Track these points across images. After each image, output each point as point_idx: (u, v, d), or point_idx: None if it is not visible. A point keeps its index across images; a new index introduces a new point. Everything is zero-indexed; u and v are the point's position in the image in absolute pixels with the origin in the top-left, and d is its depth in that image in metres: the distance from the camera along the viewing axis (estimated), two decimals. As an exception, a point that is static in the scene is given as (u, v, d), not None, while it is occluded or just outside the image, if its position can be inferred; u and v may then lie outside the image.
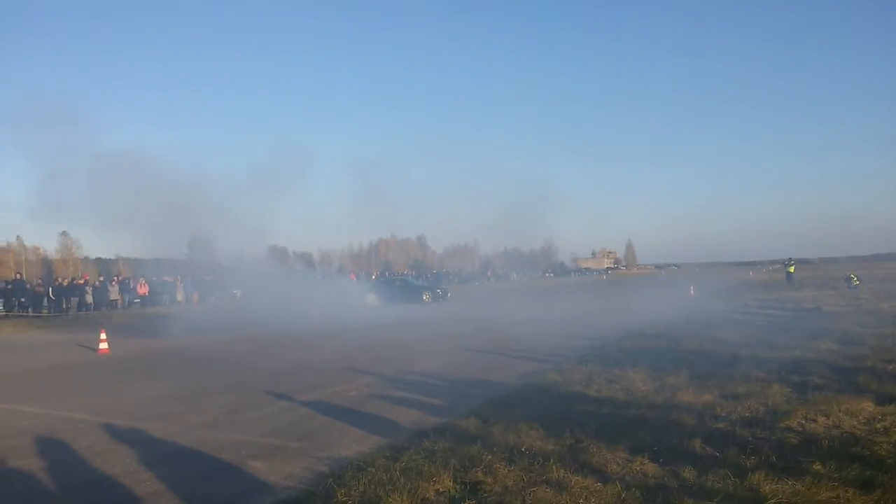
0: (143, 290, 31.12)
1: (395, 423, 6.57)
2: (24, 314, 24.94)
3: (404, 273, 54.04)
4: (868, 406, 6.06)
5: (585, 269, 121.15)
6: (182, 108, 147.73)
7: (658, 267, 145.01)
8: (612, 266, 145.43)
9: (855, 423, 5.59)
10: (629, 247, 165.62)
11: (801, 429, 5.45)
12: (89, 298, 27.78)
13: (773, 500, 3.92)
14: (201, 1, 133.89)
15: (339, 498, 4.22)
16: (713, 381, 7.45)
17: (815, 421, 5.66)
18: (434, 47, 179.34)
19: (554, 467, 4.52)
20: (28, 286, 27.96)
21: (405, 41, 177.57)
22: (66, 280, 30.52)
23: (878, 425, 5.48)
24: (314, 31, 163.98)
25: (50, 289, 27.83)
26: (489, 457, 4.80)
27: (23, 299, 26.32)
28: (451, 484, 4.39)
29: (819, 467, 4.43)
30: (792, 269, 35.20)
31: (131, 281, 32.60)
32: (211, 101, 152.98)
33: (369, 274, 50.01)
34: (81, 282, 29.55)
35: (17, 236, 75.44)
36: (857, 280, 26.80)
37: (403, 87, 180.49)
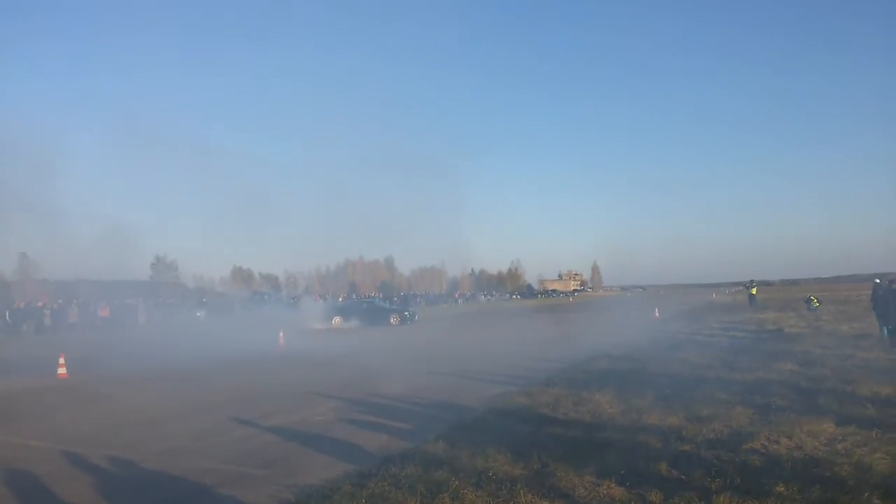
0: (104, 312, 30.53)
1: (362, 448, 6.51)
2: (-21, 338, 24.25)
3: (371, 295, 53.81)
4: (829, 427, 6.17)
5: (552, 290, 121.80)
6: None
7: (624, 289, 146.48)
8: (579, 288, 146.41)
9: (816, 444, 5.69)
10: (595, 269, 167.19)
11: (764, 450, 5.52)
12: (48, 321, 27.15)
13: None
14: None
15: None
16: (678, 403, 7.52)
17: (777, 442, 5.74)
18: (395, 67, 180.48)
19: (521, 492, 4.51)
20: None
21: (372, 58, 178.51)
22: (23, 303, 29.78)
23: (839, 446, 5.58)
24: (274, 50, 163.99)
25: (7, 312, 27.13)
26: (456, 482, 4.77)
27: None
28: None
29: (782, 489, 4.49)
30: (754, 290, 35.57)
31: (92, 304, 31.95)
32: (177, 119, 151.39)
33: (336, 296, 49.70)
34: (40, 304, 28.87)
35: (-27, 258, 73.50)
36: (818, 302, 27.26)
37: (368, 107, 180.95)
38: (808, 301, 27.56)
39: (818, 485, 4.55)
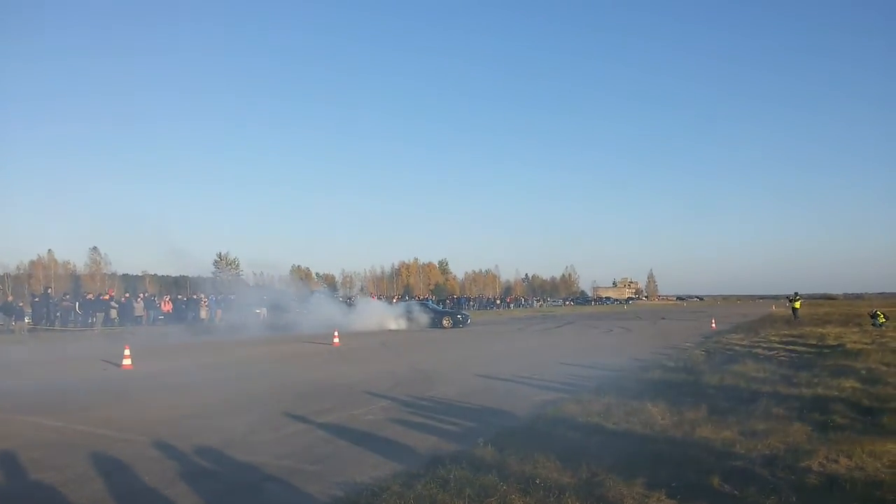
0: (167, 307, 31.49)
1: (411, 448, 6.59)
2: (52, 328, 25.33)
3: (425, 298, 54.05)
4: (893, 448, 5.93)
5: (606, 298, 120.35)
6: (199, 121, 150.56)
7: (680, 298, 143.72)
8: (633, 296, 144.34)
9: (879, 465, 5.48)
10: (650, 277, 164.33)
11: (822, 469, 5.35)
12: (114, 314, 28.13)
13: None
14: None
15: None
16: (733, 417, 7.35)
17: (836, 462, 5.55)
18: (458, 68, 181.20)
19: (569, 500, 4.49)
20: (56, 300, 28.45)
21: (426, 55, 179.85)
22: (92, 295, 30.99)
23: (903, 468, 5.38)
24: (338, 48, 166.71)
25: (77, 303, 28.25)
26: (504, 487, 4.79)
27: (52, 313, 26.79)
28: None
29: (840, 510, 4.36)
30: (798, 304, 34.07)
31: (156, 298, 33.03)
32: (226, 118, 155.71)
33: (390, 297, 50.11)
34: (107, 297, 29.97)
35: (49, 250, 77.02)
36: (884, 318, 26.20)
37: (429, 107, 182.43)
38: (875, 316, 26.48)
39: (879, 508, 4.40)
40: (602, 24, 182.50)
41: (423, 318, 31.28)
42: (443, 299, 65.22)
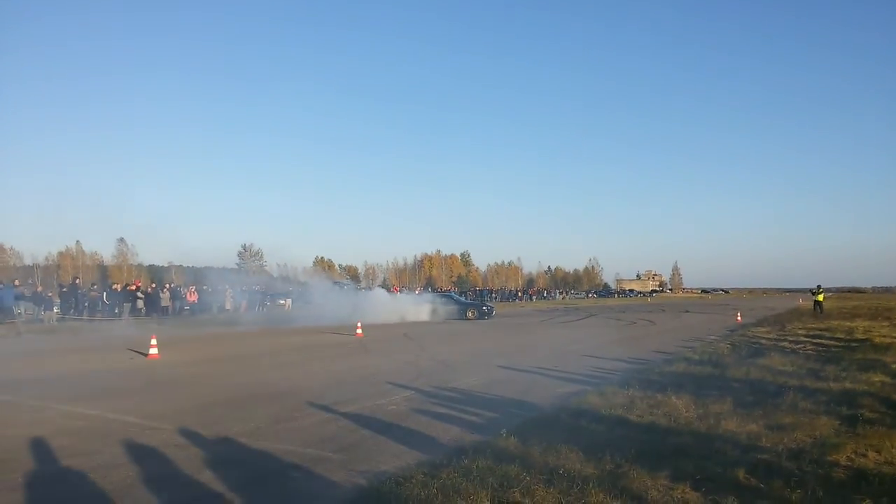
0: (192, 297, 31.87)
1: (434, 438, 6.62)
2: (80, 318, 25.76)
3: (448, 290, 54.15)
4: (922, 443, 5.85)
5: (629, 290, 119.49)
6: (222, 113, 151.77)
7: (705, 291, 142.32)
8: (657, 288, 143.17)
9: (908, 460, 5.41)
10: (675, 269, 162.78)
11: (849, 464, 5.28)
12: (140, 304, 28.53)
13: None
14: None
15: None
16: (759, 411, 7.27)
17: (865, 456, 5.48)
18: (469, 59, 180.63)
19: (593, 491, 4.49)
20: (83, 291, 28.92)
21: (439, 52, 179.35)
22: (119, 286, 31.45)
23: (933, 464, 5.29)
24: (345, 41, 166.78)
25: (104, 293, 28.70)
26: (528, 478, 4.79)
27: (80, 303, 27.25)
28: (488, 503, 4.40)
29: (868, 504, 4.30)
30: (821, 297, 33.26)
31: (182, 288, 33.44)
32: (243, 108, 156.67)
33: (412, 289, 50.25)
34: (134, 287, 30.41)
35: (77, 241, 78.29)
36: None
37: (450, 98, 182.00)
38: None
39: (908, 503, 4.34)
40: (618, 16, 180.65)
41: (448, 309, 31.31)
42: (465, 291, 65.30)
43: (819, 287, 33.52)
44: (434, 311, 31.02)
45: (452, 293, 44.18)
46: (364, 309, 28.70)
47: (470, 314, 30.88)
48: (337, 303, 30.51)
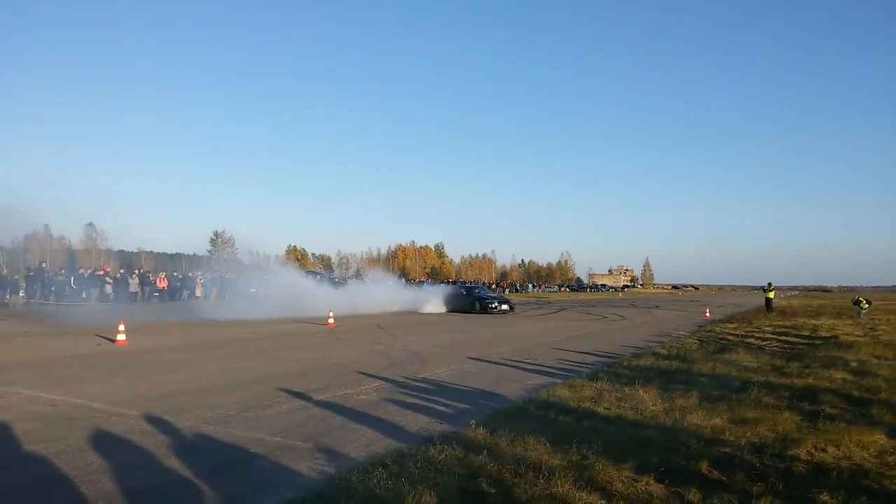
0: (162, 283, 31.44)
1: (403, 428, 6.63)
2: (46, 302, 25.30)
3: (421, 280, 54.12)
4: (880, 438, 5.99)
5: (601, 285, 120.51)
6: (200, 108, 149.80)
7: (675, 287, 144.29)
8: (629, 283, 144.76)
9: (866, 455, 5.54)
10: (646, 265, 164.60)
11: (809, 458, 5.40)
12: (109, 289, 28.08)
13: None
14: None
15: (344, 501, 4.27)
16: (723, 405, 7.40)
17: (824, 451, 5.61)
18: (446, 51, 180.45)
19: (559, 482, 4.53)
20: (50, 275, 28.37)
21: (415, 44, 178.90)
22: (87, 271, 30.88)
23: (890, 459, 5.42)
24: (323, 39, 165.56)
25: (72, 278, 28.18)
26: (495, 467, 4.83)
27: (47, 287, 26.74)
28: (455, 493, 4.42)
29: (826, 498, 4.39)
30: (772, 294, 32.95)
31: (151, 274, 32.98)
32: (217, 96, 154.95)
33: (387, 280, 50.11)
34: (102, 273, 29.90)
35: (46, 225, 76.54)
36: (867, 303, 27.17)
37: (421, 92, 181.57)
38: (858, 303, 27.33)
39: (865, 496, 4.43)
40: (608, 18, 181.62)
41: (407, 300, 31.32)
42: (437, 283, 65.22)
43: (770, 284, 33.01)
44: (402, 303, 30.95)
45: (425, 283, 44.06)
46: (339, 299, 28.18)
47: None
48: (310, 292, 29.86)
